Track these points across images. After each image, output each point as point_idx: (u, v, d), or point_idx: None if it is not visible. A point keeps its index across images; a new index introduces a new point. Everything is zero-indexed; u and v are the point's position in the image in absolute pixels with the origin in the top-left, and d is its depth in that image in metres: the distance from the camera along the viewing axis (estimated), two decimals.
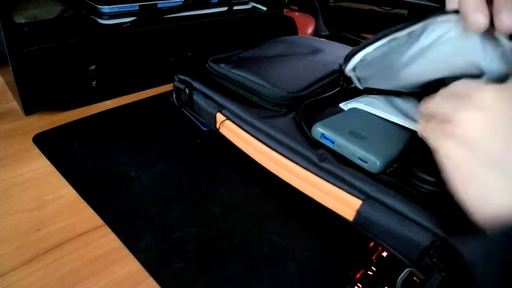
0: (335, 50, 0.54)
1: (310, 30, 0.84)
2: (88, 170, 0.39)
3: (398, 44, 0.32)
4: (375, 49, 0.34)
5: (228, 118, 0.42)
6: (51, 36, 0.47)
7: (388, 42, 0.32)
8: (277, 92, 0.41)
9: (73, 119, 0.47)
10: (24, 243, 0.31)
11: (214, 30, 0.64)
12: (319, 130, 0.35)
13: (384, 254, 0.33)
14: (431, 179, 0.30)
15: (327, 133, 0.35)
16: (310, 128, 0.37)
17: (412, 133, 0.35)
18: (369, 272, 0.31)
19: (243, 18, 0.68)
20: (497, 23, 0.24)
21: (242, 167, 0.41)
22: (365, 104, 0.40)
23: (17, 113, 0.47)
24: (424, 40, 0.30)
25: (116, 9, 0.53)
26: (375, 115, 0.39)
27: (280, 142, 0.37)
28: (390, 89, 0.40)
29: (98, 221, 0.34)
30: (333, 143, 0.35)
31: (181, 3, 0.59)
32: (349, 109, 0.41)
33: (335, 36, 0.91)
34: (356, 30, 0.98)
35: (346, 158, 0.34)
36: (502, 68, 0.28)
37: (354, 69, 0.37)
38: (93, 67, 0.52)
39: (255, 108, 0.41)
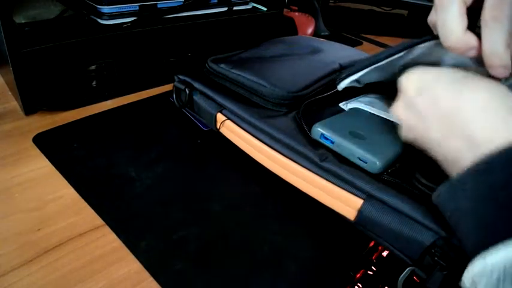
0: (335, 49, 0.54)
1: (310, 30, 0.84)
2: (88, 170, 0.39)
3: (389, 63, 0.34)
4: (367, 71, 0.36)
5: (228, 118, 0.42)
6: (51, 36, 0.47)
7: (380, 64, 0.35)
8: (277, 92, 0.41)
9: (73, 119, 0.47)
10: (24, 243, 0.31)
11: (214, 31, 0.64)
12: (318, 130, 0.36)
13: (384, 253, 0.33)
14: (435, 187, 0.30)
15: (327, 133, 0.35)
16: (310, 128, 0.37)
17: None
18: (369, 272, 0.31)
19: (243, 18, 0.68)
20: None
21: (242, 167, 0.41)
22: (365, 104, 0.40)
23: (17, 113, 0.47)
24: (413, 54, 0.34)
25: (116, 10, 0.53)
26: (375, 115, 0.39)
27: (280, 142, 0.37)
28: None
29: (98, 221, 0.34)
30: (332, 143, 0.35)
31: (182, 3, 0.59)
32: (349, 109, 0.41)
33: (335, 36, 0.91)
34: (356, 31, 0.98)
35: (346, 158, 0.34)
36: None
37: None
38: (93, 67, 0.52)
39: (255, 108, 0.41)
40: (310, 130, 0.37)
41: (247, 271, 0.30)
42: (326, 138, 0.35)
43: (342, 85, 0.37)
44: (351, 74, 0.36)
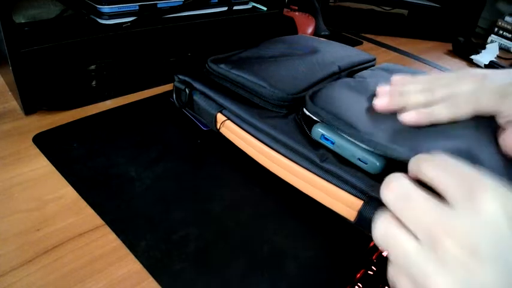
0: (335, 49, 0.54)
1: (310, 30, 0.84)
2: (88, 169, 0.39)
3: None
4: None
5: (228, 118, 0.42)
6: (51, 36, 0.47)
7: None
8: (277, 93, 0.41)
9: (73, 119, 0.47)
10: (24, 243, 0.31)
11: (214, 30, 0.64)
12: (319, 131, 0.35)
13: (384, 253, 0.33)
14: None
15: (327, 134, 0.35)
16: (310, 128, 0.37)
17: None
18: (369, 272, 0.31)
19: (243, 18, 0.68)
20: None
21: (242, 167, 0.41)
22: None
23: (17, 113, 0.47)
24: None
25: (116, 9, 0.53)
26: None
27: (281, 142, 0.37)
28: None
29: (98, 221, 0.34)
30: (333, 143, 0.35)
31: (181, 3, 0.59)
32: None
33: (335, 35, 0.91)
34: (356, 30, 0.98)
35: (346, 158, 0.34)
36: None
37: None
38: (93, 67, 0.52)
39: (255, 109, 0.41)
40: (310, 131, 0.37)
41: (247, 271, 0.30)
42: (326, 139, 0.35)
43: (305, 112, 0.38)
44: (315, 114, 0.36)
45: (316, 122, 0.36)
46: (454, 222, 0.18)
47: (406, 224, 0.21)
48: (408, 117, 0.32)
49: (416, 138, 0.31)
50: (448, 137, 0.31)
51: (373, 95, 0.38)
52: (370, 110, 0.36)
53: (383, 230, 0.22)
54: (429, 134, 0.32)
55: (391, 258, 0.21)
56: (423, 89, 0.34)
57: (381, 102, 0.35)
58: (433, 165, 0.22)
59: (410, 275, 0.19)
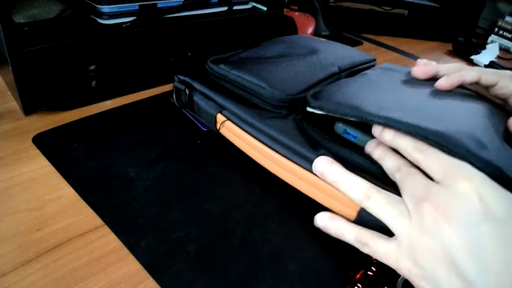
0: (335, 49, 0.54)
1: (310, 30, 0.84)
2: (88, 170, 0.39)
3: None
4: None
5: (228, 119, 0.42)
6: (50, 36, 0.47)
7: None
8: (276, 94, 0.41)
9: (73, 119, 0.47)
10: (24, 243, 0.31)
11: (214, 30, 0.64)
12: (341, 126, 0.37)
13: None
14: None
15: (349, 129, 0.36)
16: (313, 126, 0.37)
17: None
18: (368, 272, 0.31)
19: (243, 18, 0.68)
20: None
21: (242, 167, 0.41)
22: None
23: (17, 113, 0.47)
24: None
25: (116, 9, 0.53)
26: None
27: (280, 143, 0.37)
28: None
29: (98, 221, 0.34)
30: (355, 137, 0.36)
31: (181, 3, 0.59)
32: None
33: (335, 36, 0.91)
34: (356, 30, 0.98)
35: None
36: None
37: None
38: (92, 67, 0.52)
39: (255, 109, 0.41)
40: (312, 129, 0.37)
41: (247, 271, 0.30)
42: (348, 133, 0.37)
43: (308, 109, 0.38)
44: (319, 108, 0.37)
45: (318, 119, 0.37)
46: (436, 192, 0.26)
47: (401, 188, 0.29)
48: (442, 82, 0.36)
49: (423, 119, 0.31)
50: (453, 121, 0.31)
51: (375, 83, 0.39)
52: (375, 95, 0.37)
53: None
54: (435, 114, 0.32)
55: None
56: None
57: (416, 70, 0.40)
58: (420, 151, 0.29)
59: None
